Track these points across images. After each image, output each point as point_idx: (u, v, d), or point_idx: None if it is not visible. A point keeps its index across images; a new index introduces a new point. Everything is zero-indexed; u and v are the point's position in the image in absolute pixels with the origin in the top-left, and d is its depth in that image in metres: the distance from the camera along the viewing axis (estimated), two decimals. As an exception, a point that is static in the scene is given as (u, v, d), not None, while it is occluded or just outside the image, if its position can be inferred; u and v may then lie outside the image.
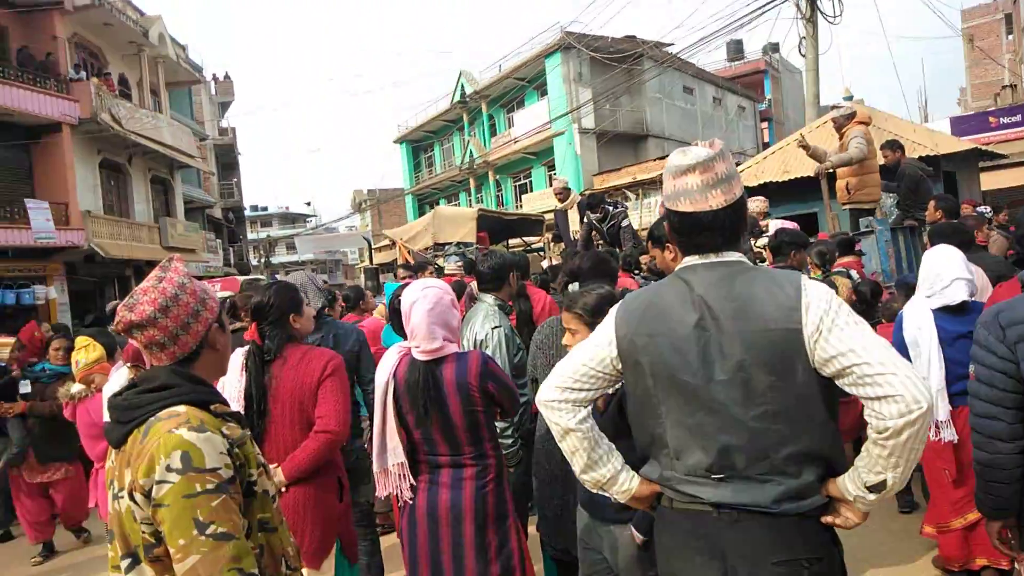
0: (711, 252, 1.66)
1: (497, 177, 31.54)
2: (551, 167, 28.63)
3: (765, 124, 39.84)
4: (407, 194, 38.16)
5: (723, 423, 1.56)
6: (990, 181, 14.56)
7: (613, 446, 1.76)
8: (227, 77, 36.47)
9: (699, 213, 1.62)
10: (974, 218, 5.85)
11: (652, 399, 1.66)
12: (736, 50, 40.99)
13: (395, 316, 3.59)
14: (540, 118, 27.89)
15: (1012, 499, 2.08)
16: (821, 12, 12.18)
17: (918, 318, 3.20)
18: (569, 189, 7.99)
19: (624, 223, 7.24)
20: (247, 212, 42.87)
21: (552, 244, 7.99)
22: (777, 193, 9.78)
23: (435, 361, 2.56)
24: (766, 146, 38.81)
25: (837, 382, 1.50)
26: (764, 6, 13.05)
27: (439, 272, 8.96)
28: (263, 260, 38.42)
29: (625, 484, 1.73)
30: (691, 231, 1.65)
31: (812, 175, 9.35)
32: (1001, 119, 18.34)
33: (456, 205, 34.78)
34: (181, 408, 1.46)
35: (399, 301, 3.62)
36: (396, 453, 2.61)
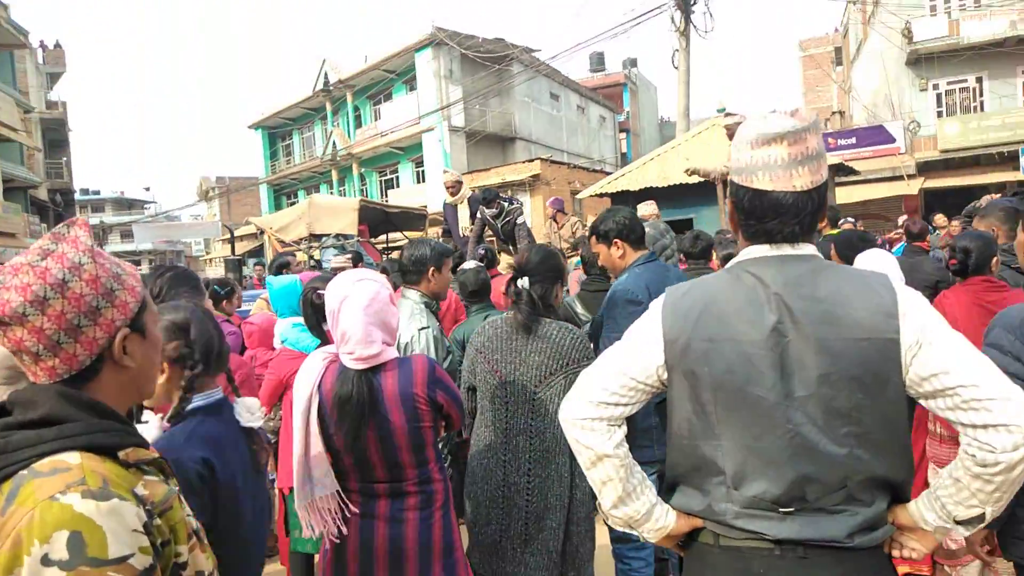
0: (785, 242, 1.38)
1: (362, 170, 30.51)
2: (419, 163, 28.12)
3: (623, 135, 41.45)
4: (262, 183, 36.05)
5: (798, 447, 1.31)
6: (841, 196, 16.31)
7: (644, 473, 1.47)
8: (58, 45, 32.78)
9: (779, 193, 1.34)
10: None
11: (708, 417, 1.37)
12: (598, 62, 42.45)
13: (312, 311, 3.12)
14: (409, 112, 27.27)
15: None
16: (694, 26, 12.66)
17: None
18: (460, 182, 7.65)
19: (519, 219, 7.00)
20: (77, 195, 38.79)
21: (440, 239, 7.60)
22: (655, 198, 10.03)
23: (372, 369, 2.13)
24: (624, 156, 40.61)
25: (928, 403, 1.29)
26: (639, 17, 13.39)
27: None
28: (95, 247, 34.73)
29: (660, 520, 1.44)
30: (765, 214, 1.37)
31: (691, 183, 9.67)
32: (839, 140, 20.11)
33: (316, 197, 33.28)
34: (72, 458, 0.98)
35: (314, 294, 3.16)
36: (325, 483, 2.15)
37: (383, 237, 10.53)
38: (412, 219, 10.31)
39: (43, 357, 1.02)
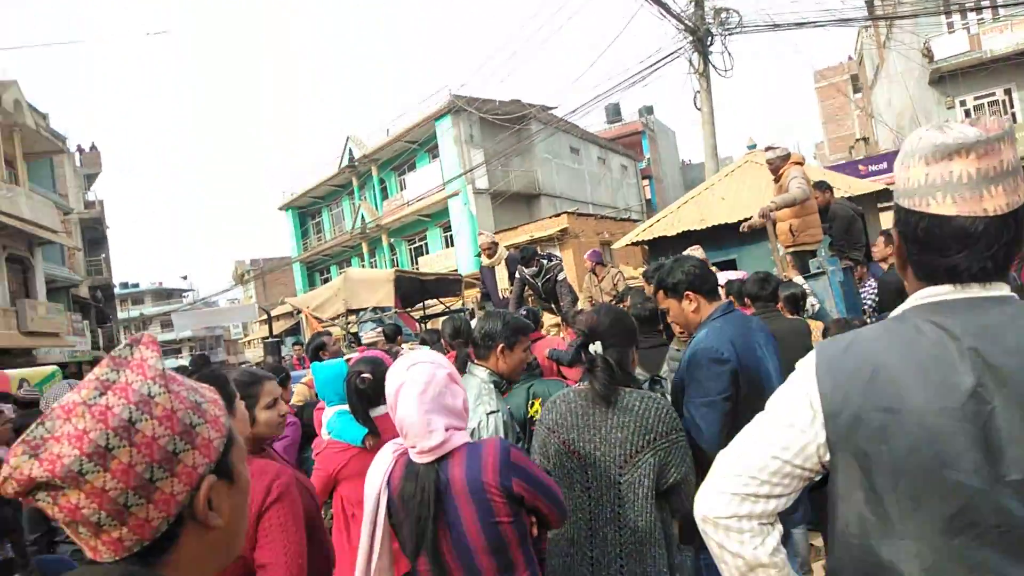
0: (975, 281, 1.10)
1: (391, 240, 30.79)
2: (446, 228, 28.30)
3: (646, 182, 41.47)
4: (295, 262, 36.57)
5: (1010, 545, 1.00)
6: (885, 221, 15.82)
7: None
8: (94, 147, 34.08)
9: (965, 219, 1.08)
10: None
11: (887, 510, 1.06)
12: (614, 112, 42.88)
13: (357, 399, 2.88)
14: (433, 180, 27.63)
15: None
16: (713, 66, 12.57)
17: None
18: (496, 244, 7.47)
19: (560, 276, 6.77)
20: (117, 289, 39.71)
21: (479, 304, 7.41)
22: (694, 242, 9.73)
23: (440, 460, 1.91)
24: (648, 203, 40.53)
25: None
26: (657, 63, 13.36)
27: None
28: (137, 340, 35.30)
29: None
30: (947, 245, 1.10)
31: (731, 222, 9.38)
32: (869, 167, 19.70)
33: (348, 271, 33.60)
34: None
35: (358, 378, 2.92)
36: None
37: (420, 305, 10.38)
38: (448, 285, 10.17)
39: (106, 527, 0.77)
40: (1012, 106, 19.96)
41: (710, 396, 2.33)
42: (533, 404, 3.74)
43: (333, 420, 3.12)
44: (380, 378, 3.06)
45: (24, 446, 0.76)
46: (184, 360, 46.28)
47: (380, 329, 7.96)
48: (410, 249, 30.73)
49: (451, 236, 27.96)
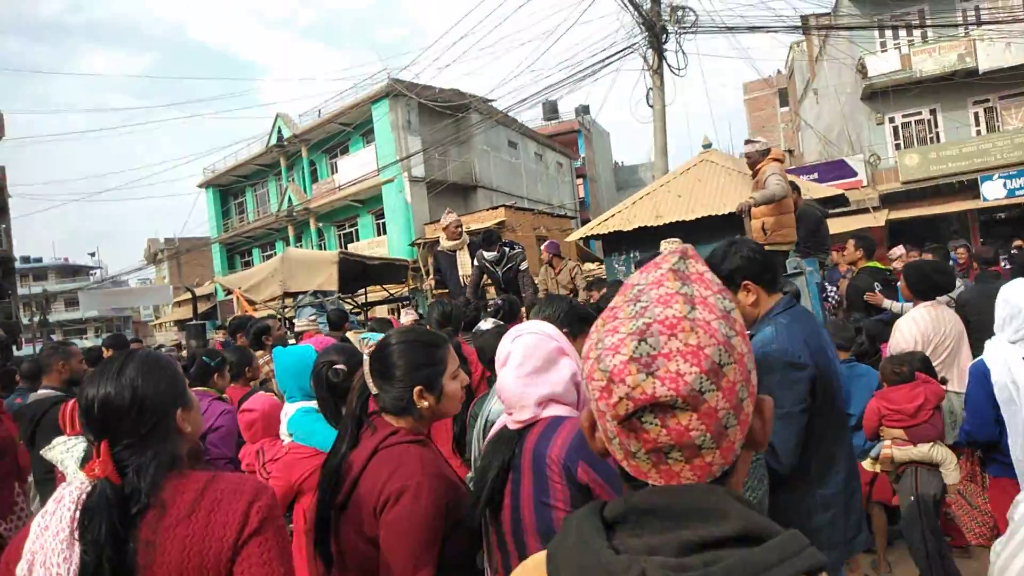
0: None
1: (319, 225, 29.68)
2: (379, 215, 27.49)
3: (580, 181, 41.64)
4: (214, 243, 34.83)
5: None
6: (835, 227, 16.16)
7: None
8: (-6, 109, 31.43)
9: None
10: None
11: None
12: (551, 110, 42.85)
13: (329, 395, 2.39)
14: (367, 165, 26.75)
15: None
16: (668, 64, 12.44)
17: (1009, 368, 2.59)
18: (461, 224, 6.96)
19: (523, 266, 6.35)
20: (18, 264, 36.87)
21: (431, 291, 6.89)
22: (649, 237, 9.51)
23: (524, 429, 1.80)
24: (582, 202, 40.71)
25: None
26: (610, 58, 13.16)
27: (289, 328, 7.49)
28: (37, 318, 32.91)
29: None
30: None
31: (688, 219, 9.22)
32: (800, 176, 20.14)
33: (272, 255, 32.29)
34: None
35: (330, 371, 2.42)
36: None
37: (364, 291, 9.75)
38: (393, 271, 9.58)
39: (704, 451, 0.75)
40: (937, 125, 20.80)
41: (784, 408, 1.97)
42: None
43: (297, 419, 2.61)
44: (355, 370, 2.59)
45: (635, 364, 0.73)
46: (90, 340, 43.46)
47: (314, 316, 7.35)
48: (339, 235, 29.71)
49: (383, 223, 27.18)
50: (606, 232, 9.81)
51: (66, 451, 1.83)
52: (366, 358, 1.88)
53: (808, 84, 31.16)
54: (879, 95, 20.74)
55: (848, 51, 21.21)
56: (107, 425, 1.37)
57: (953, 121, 20.53)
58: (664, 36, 12.65)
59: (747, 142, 6.06)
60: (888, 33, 21.13)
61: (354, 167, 27.87)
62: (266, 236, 32.82)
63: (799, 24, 17.48)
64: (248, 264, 33.15)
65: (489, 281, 6.57)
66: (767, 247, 5.92)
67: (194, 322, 7.70)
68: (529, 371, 1.76)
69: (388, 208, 26.44)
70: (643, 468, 0.76)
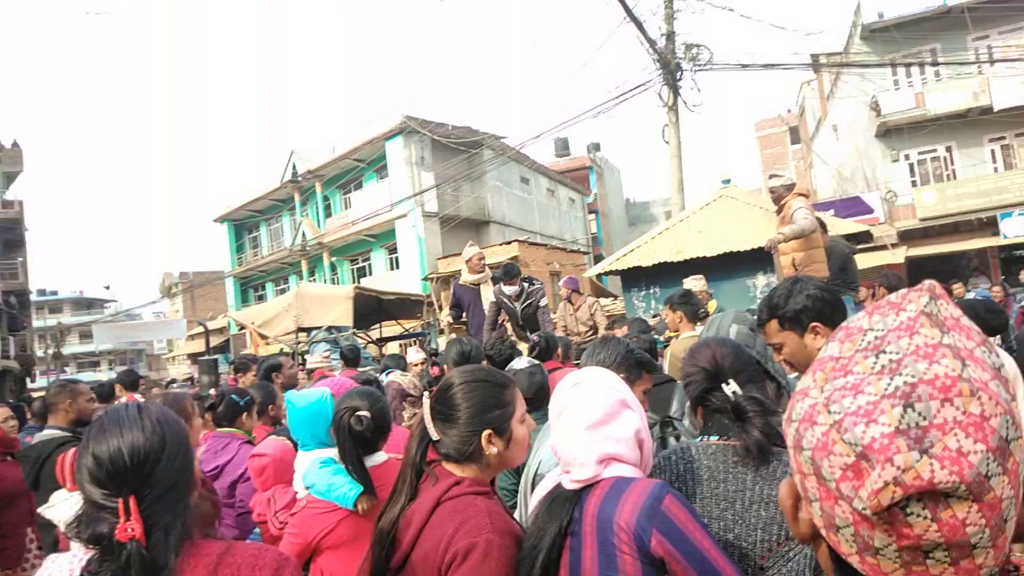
0: None
1: (333, 259, 29.73)
2: (392, 250, 27.52)
3: (592, 216, 41.69)
4: (228, 277, 34.95)
5: None
6: (861, 263, 15.99)
7: None
8: (15, 144, 31.99)
9: None
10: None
11: None
12: (563, 147, 43.13)
13: (350, 444, 2.24)
14: (380, 200, 26.85)
15: None
16: (683, 100, 12.43)
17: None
18: (484, 257, 6.81)
19: (542, 302, 6.21)
20: (33, 296, 37.12)
21: (448, 326, 6.74)
22: (669, 273, 9.37)
23: (586, 489, 1.59)
24: (595, 237, 40.69)
25: None
26: (625, 94, 13.16)
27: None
28: (52, 351, 32.97)
29: None
30: None
31: (708, 255, 9.07)
32: (817, 211, 20.01)
33: (285, 289, 32.34)
34: None
35: (353, 417, 2.27)
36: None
37: (379, 326, 9.62)
38: (409, 306, 9.45)
39: (978, 550, 0.59)
40: (953, 163, 20.67)
41: None
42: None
43: (312, 471, 2.45)
44: (380, 417, 2.44)
45: (904, 439, 0.58)
46: (103, 373, 43.47)
47: (327, 352, 7.19)
48: (352, 269, 29.73)
49: (396, 258, 27.19)
50: (625, 268, 9.69)
51: (71, 510, 1.68)
52: (426, 401, 1.73)
53: (820, 122, 31.18)
54: (893, 132, 20.68)
55: (861, 88, 21.24)
56: (136, 477, 1.20)
57: (969, 158, 20.41)
58: (679, 73, 12.66)
59: (771, 176, 5.95)
60: (901, 71, 21.14)
61: (367, 202, 28.01)
62: (280, 270, 32.91)
63: (811, 62, 17.51)
64: (262, 298, 33.21)
65: (506, 317, 6.41)
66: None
67: (207, 357, 7.59)
68: (590, 425, 1.58)
69: (401, 243, 26.48)
70: (885, 568, 0.61)
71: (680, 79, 12.63)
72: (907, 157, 21.11)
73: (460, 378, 1.71)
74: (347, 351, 6.45)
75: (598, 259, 38.20)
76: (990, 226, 19.09)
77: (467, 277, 6.81)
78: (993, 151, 20.25)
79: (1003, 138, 20.01)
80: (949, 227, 19.87)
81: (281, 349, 7.31)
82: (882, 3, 20.62)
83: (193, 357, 38.14)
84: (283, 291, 32.20)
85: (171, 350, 42.62)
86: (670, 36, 12.48)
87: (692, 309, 4.73)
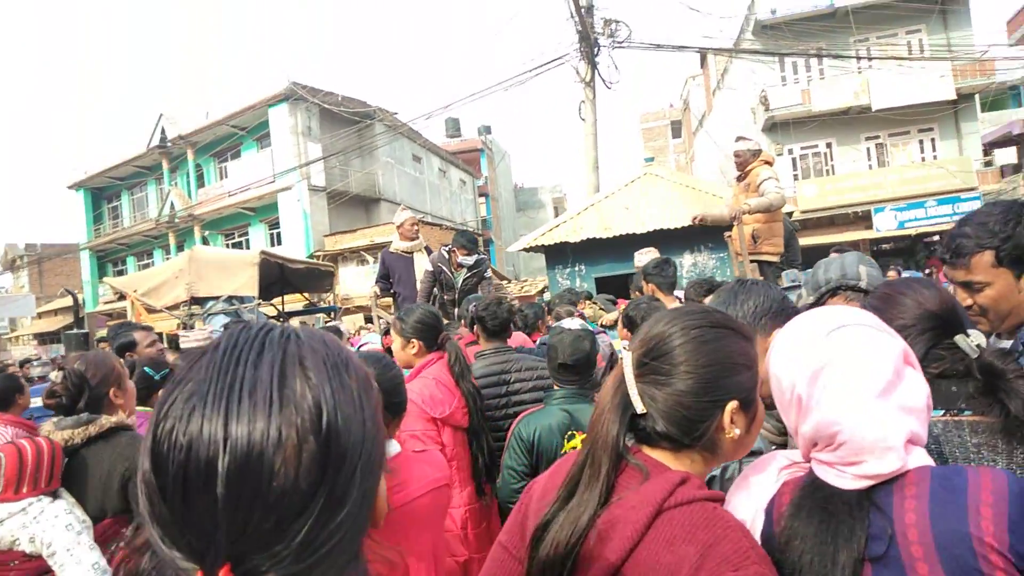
0: None
1: (205, 233, 27.52)
2: (273, 225, 25.83)
3: (482, 199, 41.29)
4: (83, 249, 31.64)
5: None
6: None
7: None
8: None
9: None
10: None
11: None
12: (454, 127, 42.38)
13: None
14: (261, 171, 25.07)
15: None
16: (601, 77, 12.12)
17: None
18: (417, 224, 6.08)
19: (487, 274, 5.58)
20: None
21: (378, 299, 5.97)
22: (596, 249, 8.99)
23: (874, 489, 1.02)
24: (484, 221, 40.29)
25: None
26: (540, 66, 12.73)
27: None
28: None
29: None
30: None
31: (638, 233, 8.76)
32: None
33: (149, 264, 29.68)
34: None
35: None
36: None
37: (281, 299, 8.55)
38: (318, 278, 8.47)
39: None
40: (832, 159, 21.81)
41: None
42: (573, 437, 2.60)
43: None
44: (393, 391, 1.80)
45: None
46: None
47: (209, 334, 6.19)
48: (227, 244, 27.68)
49: (278, 233, 25.54)
50: (551, 243, 9.23)
51: None
52: (627, 355, 1.10)
53: (704, 116, 32.25)
54: (779, 127, 21.53)
55: (750, 83, 21.98)
56: (242, 515, 0.56)
57: (847, 155, 21.61)
58: (596, 49, 12.35)
59: (738, 139, 5.63)
60: (788, 69, 22.05)
61: (246, 173, 26.09)
62: (143, 243, 30.15)
63: (724, 48, 17.84)
64: (121, 273, 30.31)
65: (442, 291, 5.72)
66: (754, 256, 5.50)
67: (76, 331, 6.36)
68: (882, 390, 1.02)
69: (284, 217, 24.88)
70: None
71: (598, 54, 12.32)
72: (791, 151, 22.06)
73: (684, 321, 1.11)
74: (229, 326, 5.38)
75: (487, 243, 37.81)
76: (864, 220, 20.27)
77: (398, 244, 6.06)
78: (869, 149, 21.54)
79: (878, 137, 21.31)
80: (826, 220, 20.93)
81: (179, 324, 6.25)
82: (773, 1, 21.32)
83: (41, 337, 34.35)
84: (147, 267, 29.55)
85: (13, 329, 38.29)
86: (589, 9, 12.13)
87: (666, 280, 4.31)
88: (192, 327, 6.54)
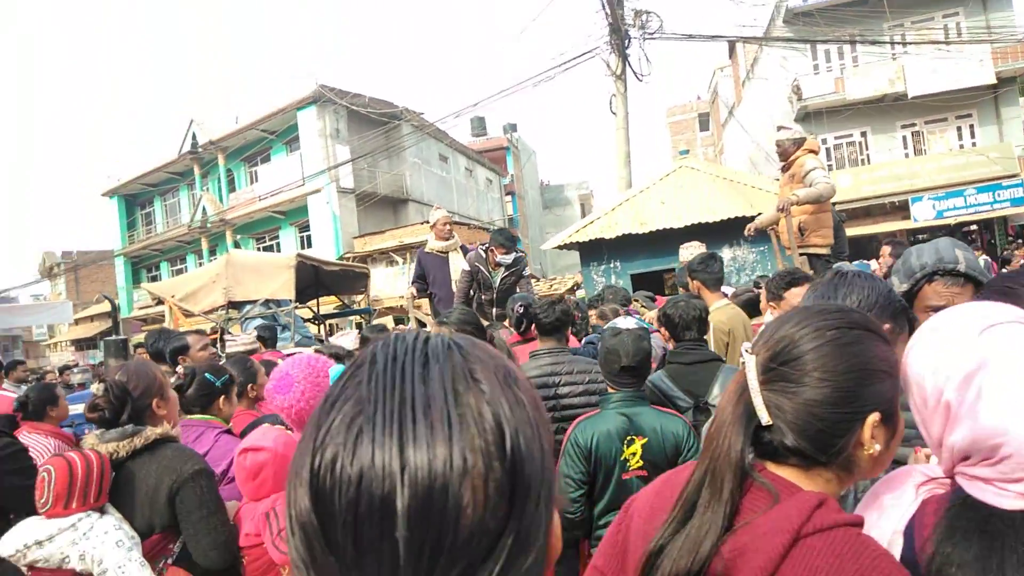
0: None
1: (237, 238, 27.82)
2: (303, 228, 26.00)
3: (509, 198, 41.22)
4: (118, 256, 32.19)
5: None
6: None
7: None
8: None
9: None
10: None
11: None
12: (479, 126, 42.33)
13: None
14: (290, 174, 25.27)
15: None
16: (632, 69, 11.93)
17: None
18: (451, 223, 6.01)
19: (526, 271, 5.47)
20: None
21: (414, 300, 5.89)
22: (631, 246, 8.82)
23: None
24: (511, 219, 40.21)
25: None
26: (570, 60, 12.58)
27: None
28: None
29: None
30: None
31: (675, 227, 8.58)
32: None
33: (182, 269, 30.10)
34: None
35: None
36: None
37: (316, 302, 8.53)
38: (352, 279, 8.43)
39: None
40: (867, 148, 21.33)
41: None
42: (632, 442, 2.47)
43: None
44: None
45: None
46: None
47: (253, 336, 6.13)
48: (259, 248, 27.93)
49: (308, 236, 25.71)
50: (586, 240, 9.09)
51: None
52: (751, 359, 0.98)
53: (734, 107, 31.76)
54: (813, 116, 21.10)
55: (781, 72, 21.57)
56: (427, 563, 0.46)
57: (882, 143, 21.11)
58: (627, 42, 12.16)
59: (780, 128, 5.46)
60: (821, 57, 21.60)
61: (276, 176, 26.33)
62: (176, 249, 30.57)
63: (757, 36, 17.53)
64: (155, 279, 30.78)
65: (480, 291, 5.62)
66: (803, 249, 5.31)
67: (115, 337, 6.39)
68: None
69: (314, 220, 25.02)
70: None
71: (628, 47, 12.14)
72: (824, 141, 21.60)
73: (817, 321, 0.98)
74: (260, 330, 5.35)
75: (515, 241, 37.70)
76: (901, 210, 19.79)
77: (433, 244, 5.98)
78: (905, 137, 21.02)
79: (914, 124, 20.78)
80: (862, 211, 20.47)
81: (198, 328, 6.23)
82: (803, -12, 20.91)
83: (78, 343, 35.03)
84: (180, 272, 29.96)
85: (51, 336, 39.08)
86: (619, 0, 11.95)
87: (712, 276, 4.15)
88: (246, 330, 6.49)
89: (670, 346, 3.22)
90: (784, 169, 5.44)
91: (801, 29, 20.70)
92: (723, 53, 33.38)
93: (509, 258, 5.26)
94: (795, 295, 2.63)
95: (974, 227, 21.02)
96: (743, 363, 0.98)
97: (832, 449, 0.92)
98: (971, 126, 20.25)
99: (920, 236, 21.30)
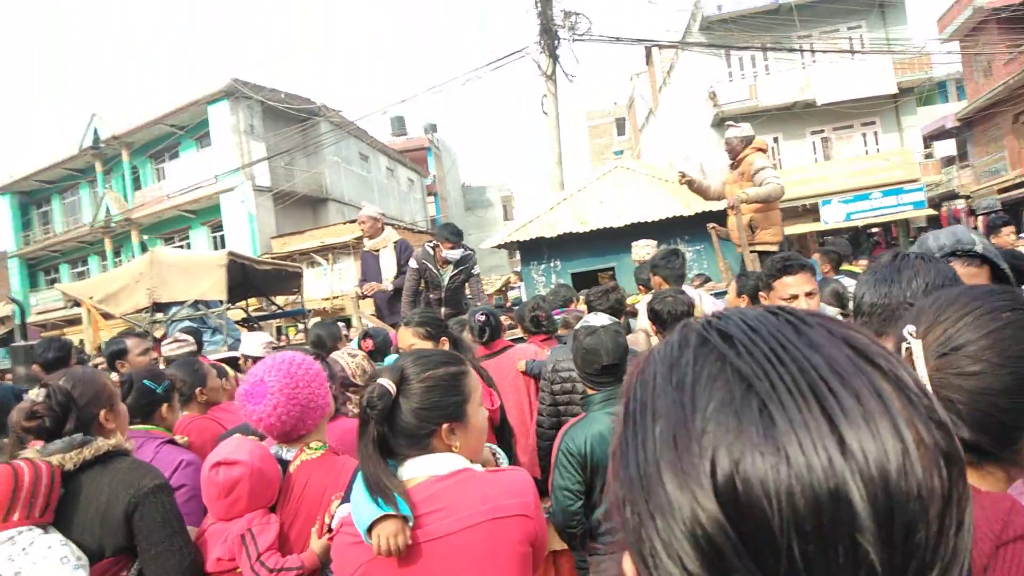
0: None
1: (144, 238, 26.37)
2: (216, 227, 24.91)
3: (431, 199, 40.86)
4: (12, 258, 29.95)
5: None
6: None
7: None
8: None
9: None
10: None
11: None
12: (399, 125, 41.80)
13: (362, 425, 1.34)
14: (202, 171, 24.13)
15: None
16: (563, 70, 11.97)
17: None
18: (378, 220, 5.80)
19: (475, 270, 5.32)
20: None
21: (358, 300, 5.63)
22: (572, 244, 8.81)
23: None
24: (433, 220, 39.85)
25: None
26: (501, 59, 12.51)
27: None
28: None
29: None
30: None
31: (615, 227, 8.62)
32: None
33: (84, 272, 28.31)
34: None
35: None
36: None
37: (245, 303, 8.06)
38: (284, 279, 7.99)
39: None
40: (779, 153, 22.24)
41: None
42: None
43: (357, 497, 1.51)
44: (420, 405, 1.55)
45: None
46: None
47: (186, 337, 5.75)
48: (169, 249, 26.61)
49: (222, 236, 24.63)
50: (526, 239, 9.01)
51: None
52: (916, 345, 0.87)
53: (649, 114, 32.53)
54: (727, 122, 21.83)
55: (696, 79, 22.23)
56: None
57: (793, 149, 22.07)
58: (557, 42, 12.20)
59: (728, 126, 5.53)
60: (735, 64, 22.39)
61: (185, 174, 25.11)
62: (77, 250, 28.71)
63: (680, 41, 17.94)
64: (54, 282, 28.82)
65: (428, 289, 5.43)
66: (752, 247, 5.39)
67: (21, 343, 5.80)
68: None
69: (228, 220, 24.01)
70: None
71: (558, 47, 12.18)
72: (740, 146, 22.38)
73: (989, 302, 0.89)
74: (184, 334, 4.99)
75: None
76: (812, 212, 20.72)
77: (367, 243, 5.82)
78: (814, 143, 22.04)
79: (823, 131, 21.83)
80: (775, 213, 21.32)
81: (127, 329, 5.78)
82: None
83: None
84: (82, 275, 28.16)
85: (-67, 344, 35.97)
86: (547, 2, 11.97)
87: (674, 272, 4.15)
88: (171, 334, 6.04)
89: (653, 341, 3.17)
90: (733, 167, 5.51)
91: (716, 37, 21.40)
92: (640, 60, 34.17)
93: (456, 253, 5.11)
94: (786, 285, 2.60)
95: (877, 229, 22.30)
96: (907, 348, 0.88)
97: (1015, 443, 0.84)
98: (875, 133, 21.44)
99: (828, 237, 22.45)
